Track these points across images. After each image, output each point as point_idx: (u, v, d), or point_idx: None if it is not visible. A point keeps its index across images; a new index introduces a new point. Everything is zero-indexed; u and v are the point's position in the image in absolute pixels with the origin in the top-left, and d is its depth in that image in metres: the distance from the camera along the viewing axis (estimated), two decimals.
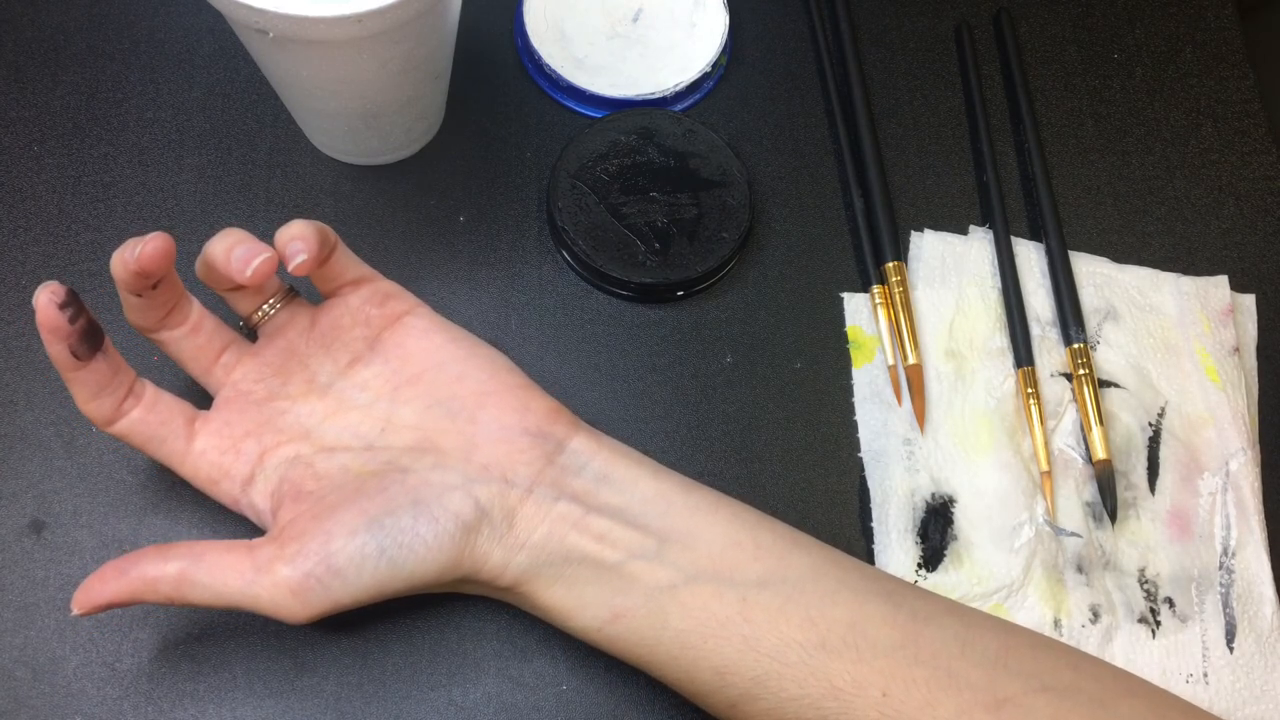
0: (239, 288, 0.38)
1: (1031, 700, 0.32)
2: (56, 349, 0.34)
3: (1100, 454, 0.44)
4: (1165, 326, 0.47)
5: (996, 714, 0.32)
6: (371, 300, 0.39)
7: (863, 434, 0.45)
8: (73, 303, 0.33)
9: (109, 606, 0.34)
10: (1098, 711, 0.32)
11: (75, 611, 0.34)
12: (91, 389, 0.35)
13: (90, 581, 0.34)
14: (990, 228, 0.49)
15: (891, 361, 0.45)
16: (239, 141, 0.48)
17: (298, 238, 0.35)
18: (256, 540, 0.35)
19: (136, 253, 0.34)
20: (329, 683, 0.39)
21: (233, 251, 0.35)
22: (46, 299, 0.33)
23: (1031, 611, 0.41)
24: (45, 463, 0.41)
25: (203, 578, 0.34)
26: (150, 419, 0.37)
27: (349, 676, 0.39)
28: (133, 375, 0.36)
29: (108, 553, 0.40)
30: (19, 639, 0.39)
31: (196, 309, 0.38)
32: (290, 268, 0.35)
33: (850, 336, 0.46)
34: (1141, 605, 0.42)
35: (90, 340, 0.34)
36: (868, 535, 0.43)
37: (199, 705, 0.38)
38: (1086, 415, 0.44)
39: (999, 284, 0.47)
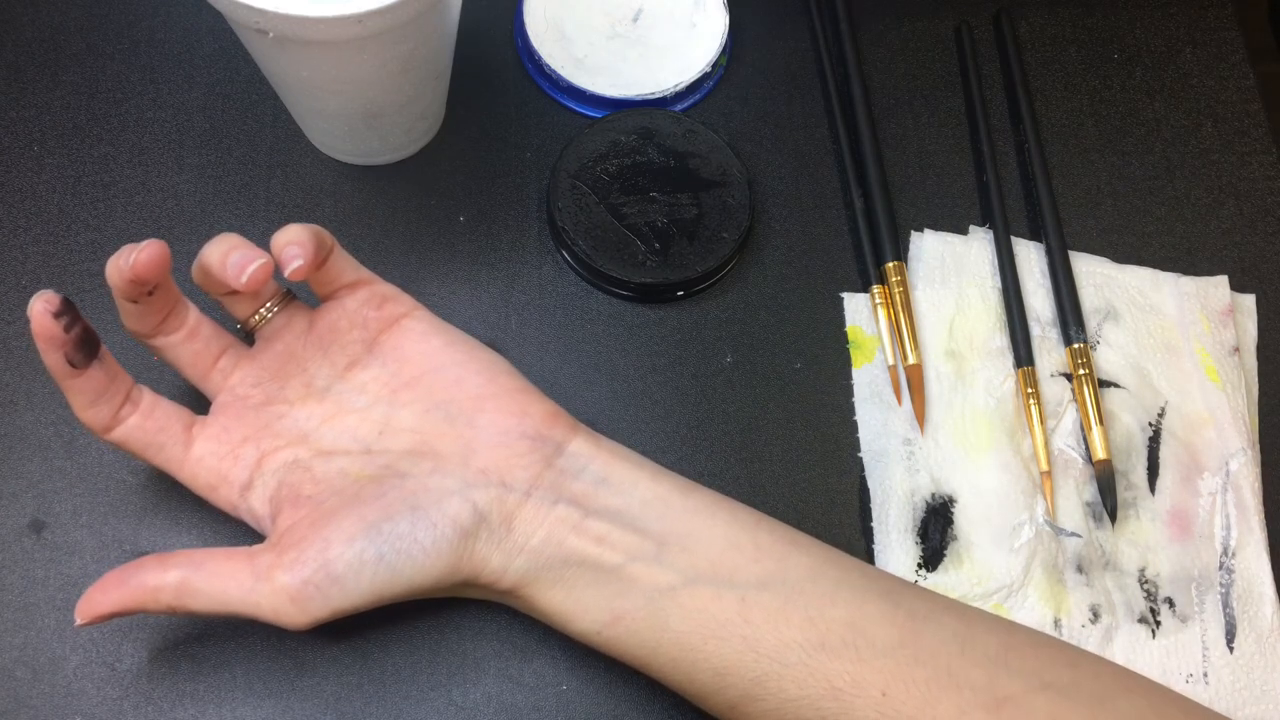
0: (235, 292, 0.38)
1: (1031, 699, 0.32)
2: (52, 357, 0.34)
3: (1100, 454, 0.44)
4: (1165, 326, 0.47)
5: (997, 713, 0.32)
6: (369, 303, 0.39)
7: (863, 434, 0.45)
8: (67, 311, 0.33)
9: (111, 616, 0.34)
10: (1097, 709, 0.32)
11: (78, 622, 0.34)
12: (88, 397, 0.35)
13: (92, 592, 0.34)
14: (990, 228, 0.49)
15: (891, 361, 0.45)
16: (239, 141, 0.48)
17: (293, 243, 0.35)
18: (256, 547, 0.35)
19: (131, 260, 0.33)
20: (329, 683, 0.39)
21: (228, 257, 0.35)
22: (41, 308, 0.33)
23: (1031, 611, 0.41)
24: (45, 463, 0.41)
25: (203, 586, 0.34)
26: (148, 426, 0.36)
27: (349, 677, 0.39)
28: (130, 382, 0.36)
29: (108, 553, 0.40)
30: (19, 639, 0.39)
31: (193, 314, 0.38)
32: (286, 273, 0.35)
33: (850, 336, 0.46)
34: (1141, 605, 0.42)
35: (86, 348, 0.34)
36: (868, 535, 0.43)
37: (199, 705, 0.38)
38: (1086, 415, 0.44)
39: (999, 284, 0.47)
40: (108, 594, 0.34)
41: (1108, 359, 0.46)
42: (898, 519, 0.43)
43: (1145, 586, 0.43)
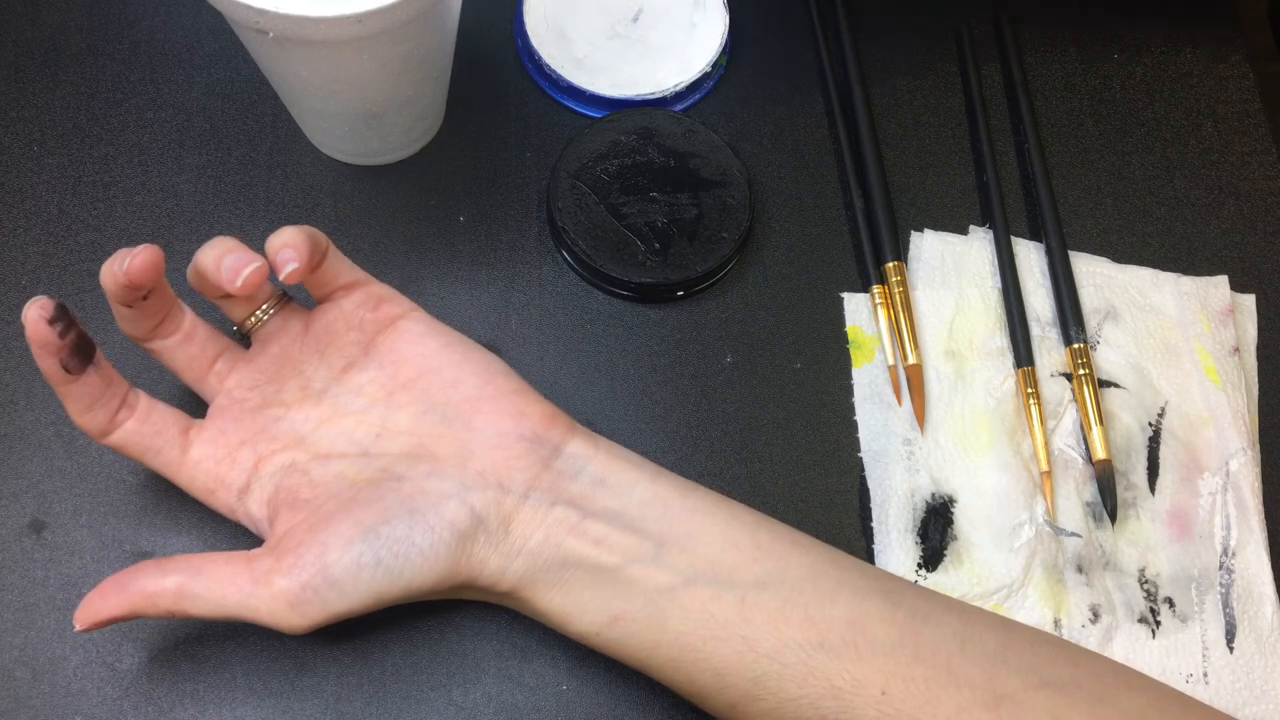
0: (231, 295, 0.38)
1: (1031, 696, 0.32)
2: (47, 363, 0.34)
3: (1100, 454, 0.44)
4: (1165, 326, 0.47)
5: (996, 711, 0.32)
6: (365, 304, 0.39)
7: (863, 434, 0.45)
8: (62, 317, 0.33)
9: (110, 622, 0.34)
10: (1097, 706, 0.32)
11: (78, 628, 0.34)
12: (84, 402, 0.35)
13: (91, 598, 0.34)
14: (990, 228, 0.49)
15: (891, 361, 0.45)
16: (239, 141, 0.48)
17: (288, 245, 0.35)
18: (254, 551, 0.35)
19: (125, 265, 0.33)
20: (329, 683, 0.39)
21: (223, 261, 0.35)
22: (36, 314, 0.33)
23: (1031, 611, 0.41)
24: (45, 463, 0.41)
25: (201, 591, 0.34)
26: (144, 430, 0.36)
27: (349, 676, 0.39)
28: (126, 387, 0.36)
29: (108, 553, 0.40)
30: (19, 639, 0.39)
31: (189, 317, 0.38)
32: (281, 276, 0.35)
33: (850, 336, 0.46)
34: (1141, 605, 0.42)
35: (81, 354, 0.34)
36: (868, 535, 0.43)
37: (199, 705, 0.38)
38: (1086, 415, 0.44)
39: (999, 284, 0.47)
40: (107, 600, 0.34)
41: (1108, 359, 0.46)
42: (898, 519, 0.43)
43: (1145, 586, 0.43)
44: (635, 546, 0.35)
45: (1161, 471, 0.44)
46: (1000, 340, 0.46)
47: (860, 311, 0.47)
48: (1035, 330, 0.46)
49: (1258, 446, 0.45)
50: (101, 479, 0.41)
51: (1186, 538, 0.43)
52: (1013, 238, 0.48)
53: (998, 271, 0.47)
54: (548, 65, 0.49)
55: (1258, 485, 0.44)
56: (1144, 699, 0.33)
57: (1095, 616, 0.42)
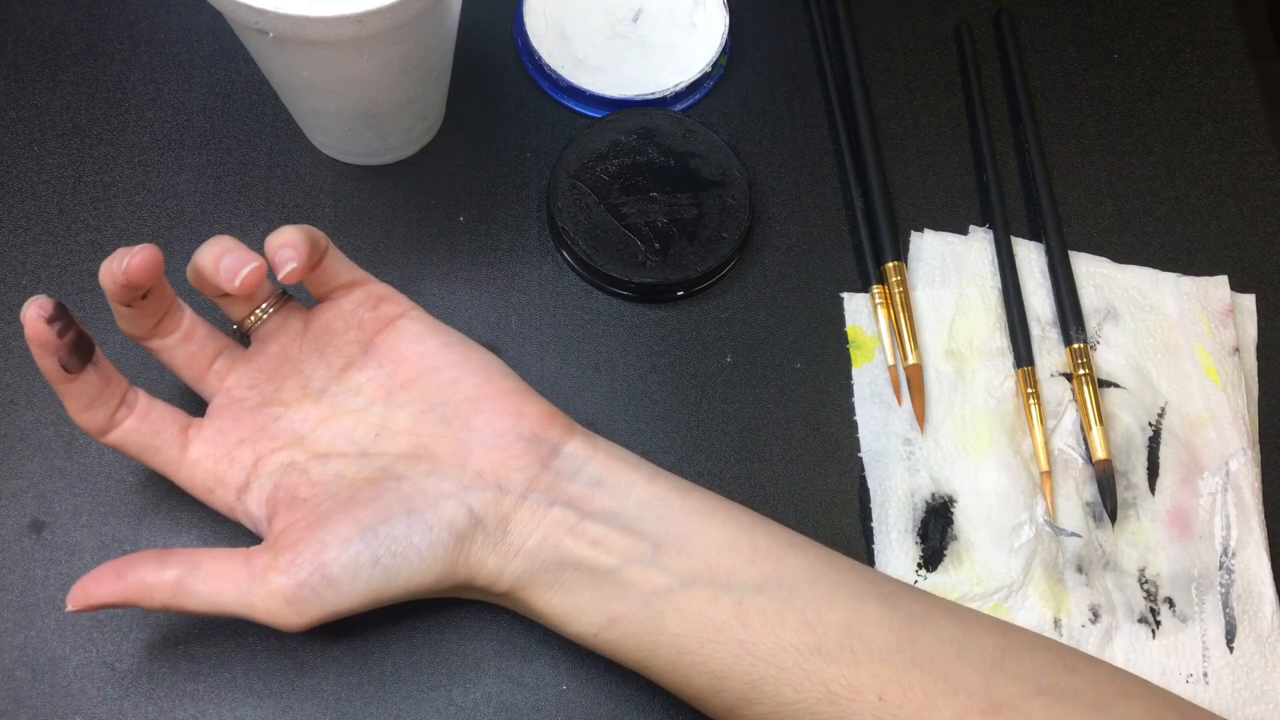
0: (230, 294, 0.38)
1: (1028, 704, 0.32)
2: (47, 362, 0.34)
3: (1100, 454, 0.44)
4: (1165, 326, 0.47)
5: (993, 718, 0.32)
6: (364, 303, 0.39)
7: (863, 434, 0.45)
8: (61, 316, 0.33)
9: (103, 607, 0.34)
10: (1094, 714, 0.32)
11: (70, 608, 0.34)
12: (83, 400, 0.35)
13: (87, 580, 0.34)
14: (990, 228, 0.49)
15: (891, 361, 0.45)
16: (239, 141, 0.48)
17: (287, 245, 0.35)
18: (252, 549, 0.35)
19: (124, 265, 0.34)
20: (329, 683, 0.39)
21: (221, 260, 0.35)
22: (35, 313, 0.33)
23: (1031, 612, 0.41)
24: (45, 463, 0.41)
25: (199, 586, 0.34)
26: (143, 428, 0.37)
27: (349, 677, 0.39)
28: (125, 385, 0.36)
29: (108, 553, 0.40)
30: (19, 639, 0.39)
31: (188, 316, 0.38)
32: (280, 275, 0.35)
33: (850, 336, 0.46)
34: (1141, 605, 0.42)
35: (80, 353, 0.34)
36: (868, 535, 0.43)
37: (199, 705, 0.38)
38: (1086, 415, 0.44)
39: (999, 284, 0.47)
40: (103, 586, 0.34)
41: (1108, 359, 0.46)
42: (898, 519, 0.43)
43: (1145, 586, 0.43)
44: (632, 547, 0.35)
45: (1161, 471, 0.44)
46: (1000, 340, 0.46)
47: (860, 311, 0.47)
48: (1035, 330, 0.46)
49: (1258, 446, 0.45)
50: (101, 479, 0.41)
51: (1186, 538, 0.43)
52: (1013, 238, 0.48)
53: (998, 271, 0.47)
54: (548, 65, 0.49)
55: (1258, 485, 0.44)
56: (1142, 707, 0.33)
57: (1095, 617, 0.42)
